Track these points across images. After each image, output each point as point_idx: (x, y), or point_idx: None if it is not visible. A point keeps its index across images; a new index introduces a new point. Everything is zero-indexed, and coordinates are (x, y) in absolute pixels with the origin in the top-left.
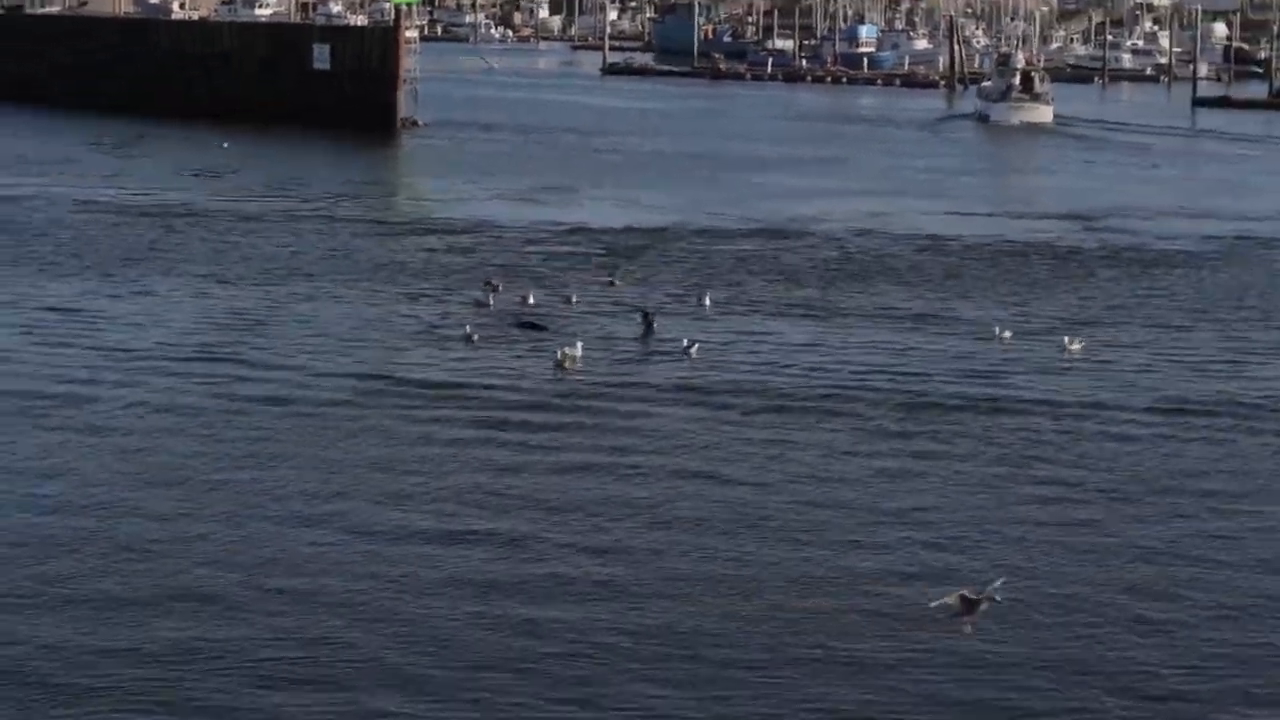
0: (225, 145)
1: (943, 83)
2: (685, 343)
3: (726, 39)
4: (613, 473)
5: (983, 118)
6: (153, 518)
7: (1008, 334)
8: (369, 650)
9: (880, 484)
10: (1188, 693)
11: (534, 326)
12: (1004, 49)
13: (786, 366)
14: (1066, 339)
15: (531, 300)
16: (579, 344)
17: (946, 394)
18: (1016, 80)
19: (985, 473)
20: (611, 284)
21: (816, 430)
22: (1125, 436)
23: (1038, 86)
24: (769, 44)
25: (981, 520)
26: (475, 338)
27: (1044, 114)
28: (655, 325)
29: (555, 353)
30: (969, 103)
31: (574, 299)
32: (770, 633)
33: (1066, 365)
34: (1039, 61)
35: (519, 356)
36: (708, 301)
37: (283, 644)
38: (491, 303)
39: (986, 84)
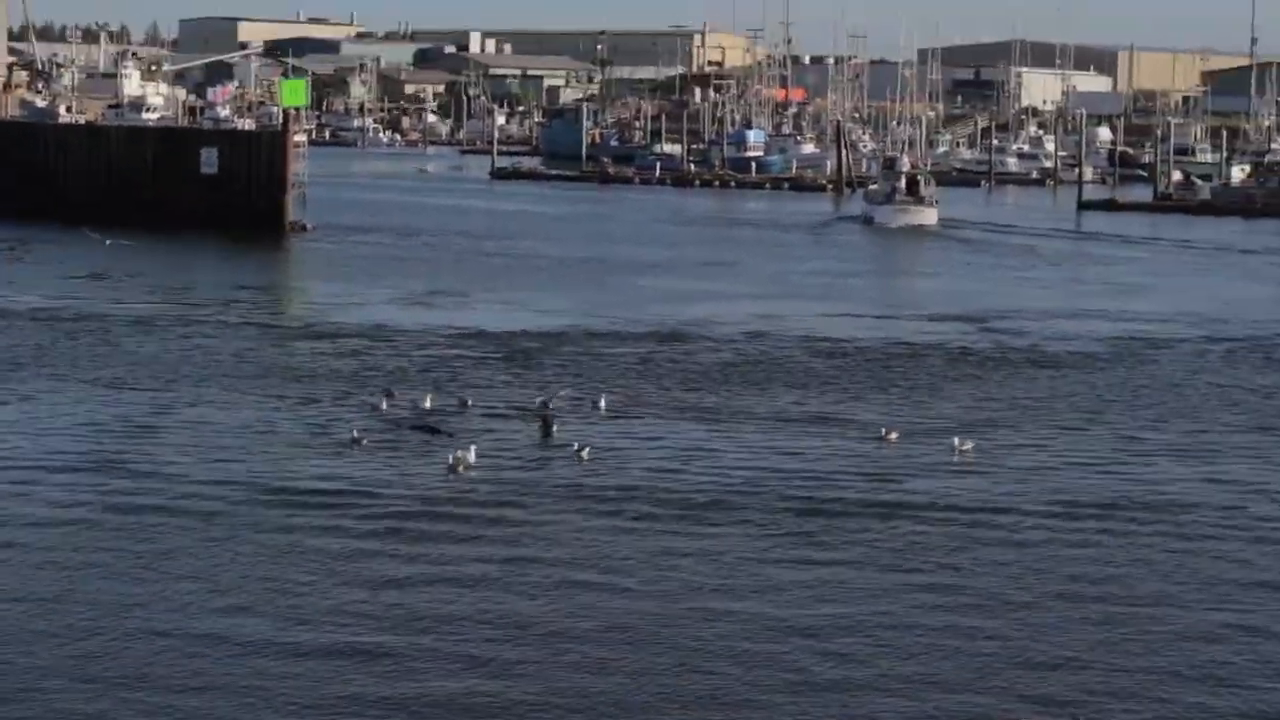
0: (108, 243)
1: (830, 186)
2: (576, 445)
3: (614, 143)
4: (504, 584)
5: (868, 220)
6: (27, 636)
7: (894, 435)
8: None
9: (774, 594)
10: None
11: (432, 430)
12: (889, 153)
13: (681, 470)
14: (957, 440)
15: (428, 404)
16: (472, 448)
17: (840, 497)
18: (902, 183)
19: (878, 580)
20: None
21: (710, 536)
22: (1018, 539)
23: (923, 190)
24: (656, 148)
25: (875, 629)
26: (364, 442)
27: (928, 216)
28: (554, 428)
29: (449, 457)
30: (856, 205)
31: (469, 402)
32: None
33: (958, 466)
34: (925, 165)
35: (410, 460)
36: (603, 404)
37: None
38: (385, 407)
39: (873, 187)
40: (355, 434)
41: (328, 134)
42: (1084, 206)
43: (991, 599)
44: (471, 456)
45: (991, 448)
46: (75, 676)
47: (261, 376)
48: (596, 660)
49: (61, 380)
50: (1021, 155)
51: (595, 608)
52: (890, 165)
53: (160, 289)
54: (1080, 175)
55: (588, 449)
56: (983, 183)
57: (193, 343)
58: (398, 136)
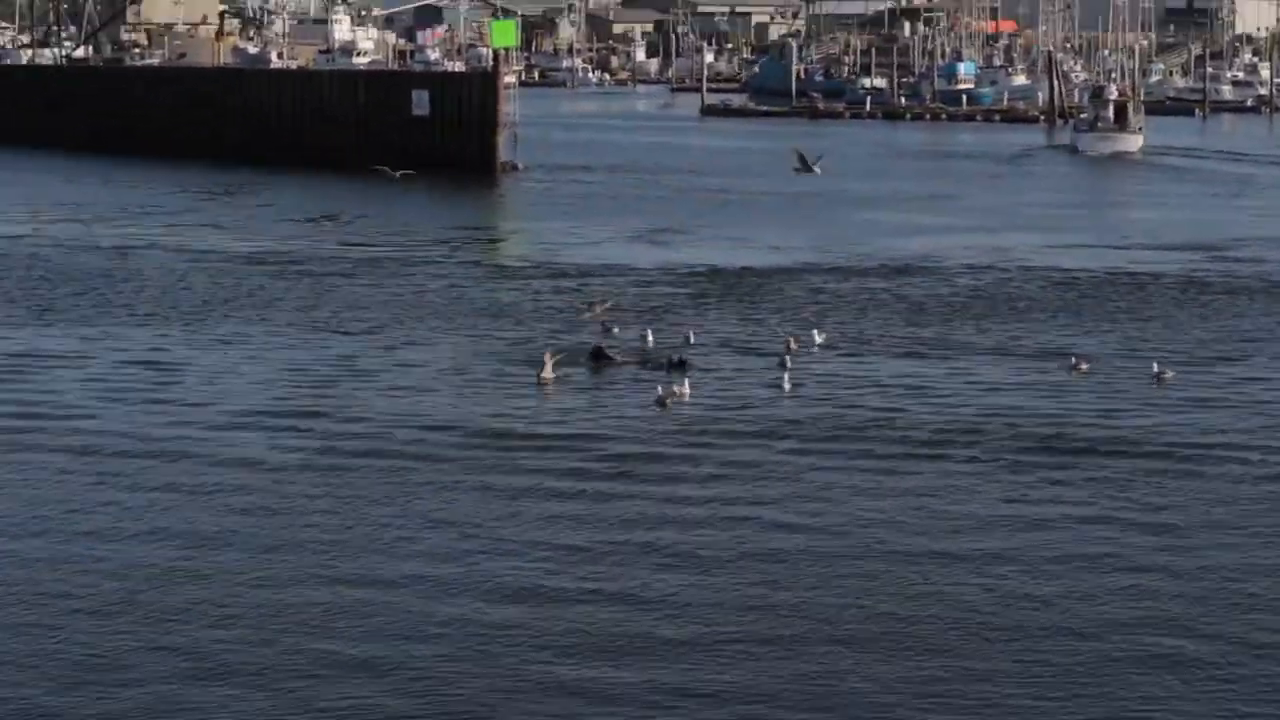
0: (398, 175)
1: (1042, 117)
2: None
3: (819, 78)
4: (711, 521)
5: (1073, 149)
6: (234, 580)
7: (1169, 374)
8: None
9: (992, 531)
10: None
11: (677, 364)
12: (1099, 82)
13: (899, 406)
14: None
15: (650, 339)
16: (686, 381)
17: (1069, 434)
18: (1110, 111)
19: (1100, 516)
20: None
21: (929, 474)
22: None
23: (1131, 117)
24: (865, 82)
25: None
26: (561, 378)
27: (1131, 143)
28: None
29: (658, 389)
30: (1068, 136)
31: (691, 339)
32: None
33: (1202, 401)
34: (1138, 94)
35: (622, 397)
36: (819, 339)
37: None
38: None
39: (1081, 116)
40: (546, 372)
41: (537, 75)
42: None
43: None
44: (685, 390)
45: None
46: (286, 622)
47: (477, 315)
48: (807, 599)
49: (273, 323)
50: (1236, 83)
51: (807, 549)
52: (1098, 94)
53: (378, 232)
54: None
55: (688, 383)
56: (1196, 111)
57: (412, 283)
58: (606, 76)
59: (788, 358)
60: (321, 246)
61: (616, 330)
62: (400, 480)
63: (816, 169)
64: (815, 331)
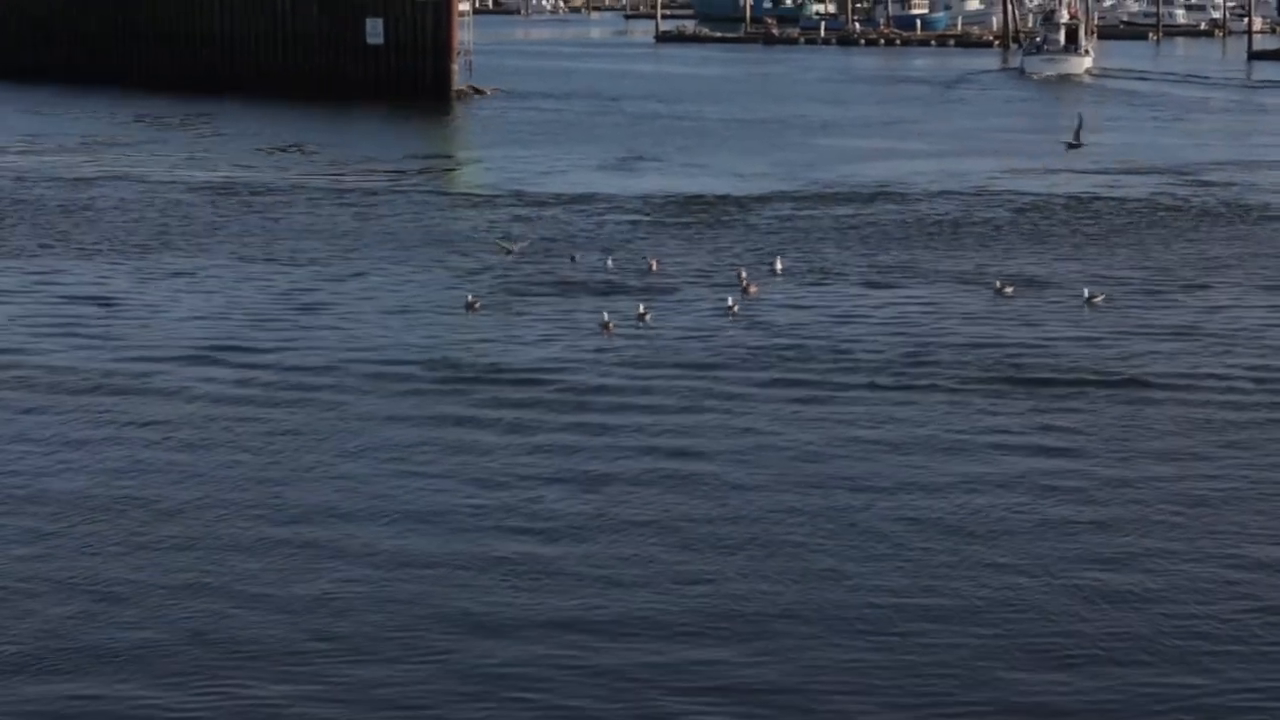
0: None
1: (996, 42)
2: (640, 309)
3: (767, 3)
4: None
5: (1019, 72)
6: (199, 508)
7: (1099, 299)
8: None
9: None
10: None
11: None
12: (1051, 6)
13: (858, 334)
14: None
15: (611, 264)
16: (643, 306)
17: (1034, 362)
18: (1060, 35)
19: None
20: (508, 252)
21: (881, 403)
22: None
23: (1081, 40)
24: (816, 8)
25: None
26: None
27: (1076, 65)
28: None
29: (603, 315)
30: (1018, 60)
31: (654, 266)
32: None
33: (1160, 329)
34: (1092, 19)
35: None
36: (779, 266)
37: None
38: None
39: (1035, 40)
40: (472, 300)
41: (490, 2)
42: (1254, 56)
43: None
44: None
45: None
46: (258, 548)
47: (435, 244)
48: (777, 539)
49: (237, 255)
50: (1189, 7)
51: (717, 475)
52: (1049, 18)
53: (335, 160)
54: (1250, 25)
55: (651, 313)
56: (1150, 35)
57: (374, 213)
58: (561, 3)
59: (740, 289)
60: (284, 176)
61: (578, 257)
62: (380, 407)
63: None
64: (777, 259)
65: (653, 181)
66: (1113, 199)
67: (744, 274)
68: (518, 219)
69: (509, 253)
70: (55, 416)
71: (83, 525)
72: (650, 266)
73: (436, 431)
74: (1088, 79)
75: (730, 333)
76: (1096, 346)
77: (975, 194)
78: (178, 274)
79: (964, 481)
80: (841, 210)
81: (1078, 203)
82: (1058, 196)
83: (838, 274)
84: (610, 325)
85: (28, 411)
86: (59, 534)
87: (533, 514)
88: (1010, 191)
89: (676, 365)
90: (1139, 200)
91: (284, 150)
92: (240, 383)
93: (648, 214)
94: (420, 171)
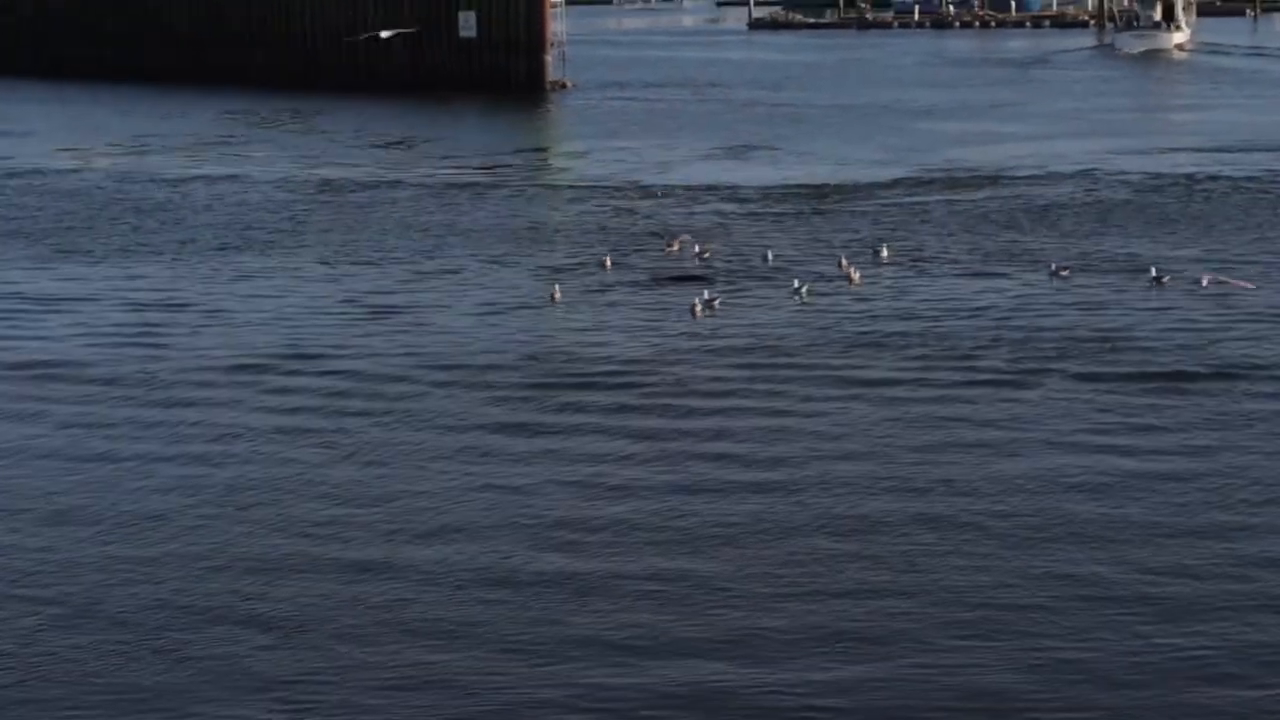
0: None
1: (1092, 21)
2: (795, 284)
3: None
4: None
5: (1109, 48)
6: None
7: (1207, 280)
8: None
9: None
10: None
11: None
12: None
13: (961, 321)
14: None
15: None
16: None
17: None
18: (1157, 12)
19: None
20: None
21: (989, 388)
22: None
23: (1179, 16)
24: None
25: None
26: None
27: (1166, 40)
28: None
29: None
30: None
31: (769, 257)
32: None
33: None
34: None
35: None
36: (884, 253)
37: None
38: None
39: (1128, 18)
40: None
41: None
42: None
43: None
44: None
45: None
46: (324, 548)
47: (532, 239)
48: (878, 521)
49: (332, 251)
50: None
51: (865, 472)
52: None
53: (446, 155)
54: None
55: (807, 287)
56: (1248, 11)
57: (477, 205)
58: None
59: (848, 275)
60: (390, 172)
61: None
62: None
63: None
64: (883, 246)
65: (755, 171)
66: (1222, 178)
67: (844, 261)
68: (627, 211)
69: (670, 248)
70: (138, 422)
71: (183, 537)
72: (766, 257)
73: (547, 441)
74: (1178, 54)
75: (834, 318)
76: (1226, 337)
77: (1080, 174)
78: (285, 273)
79: (1104, 481)
80: (952, 195)
81: (1188, 181)
82: (1165, 175)
83: (951, 260)
84: (703, 306)
85: (116, 411)
86: (155, 547)
87: (657, 526)
88: (1116, 171)
89: (771, 351)
90: (1252, 180)
91: (387, 146)
92: (354, 375)
93: (752, 203)
94: (531, 165)
